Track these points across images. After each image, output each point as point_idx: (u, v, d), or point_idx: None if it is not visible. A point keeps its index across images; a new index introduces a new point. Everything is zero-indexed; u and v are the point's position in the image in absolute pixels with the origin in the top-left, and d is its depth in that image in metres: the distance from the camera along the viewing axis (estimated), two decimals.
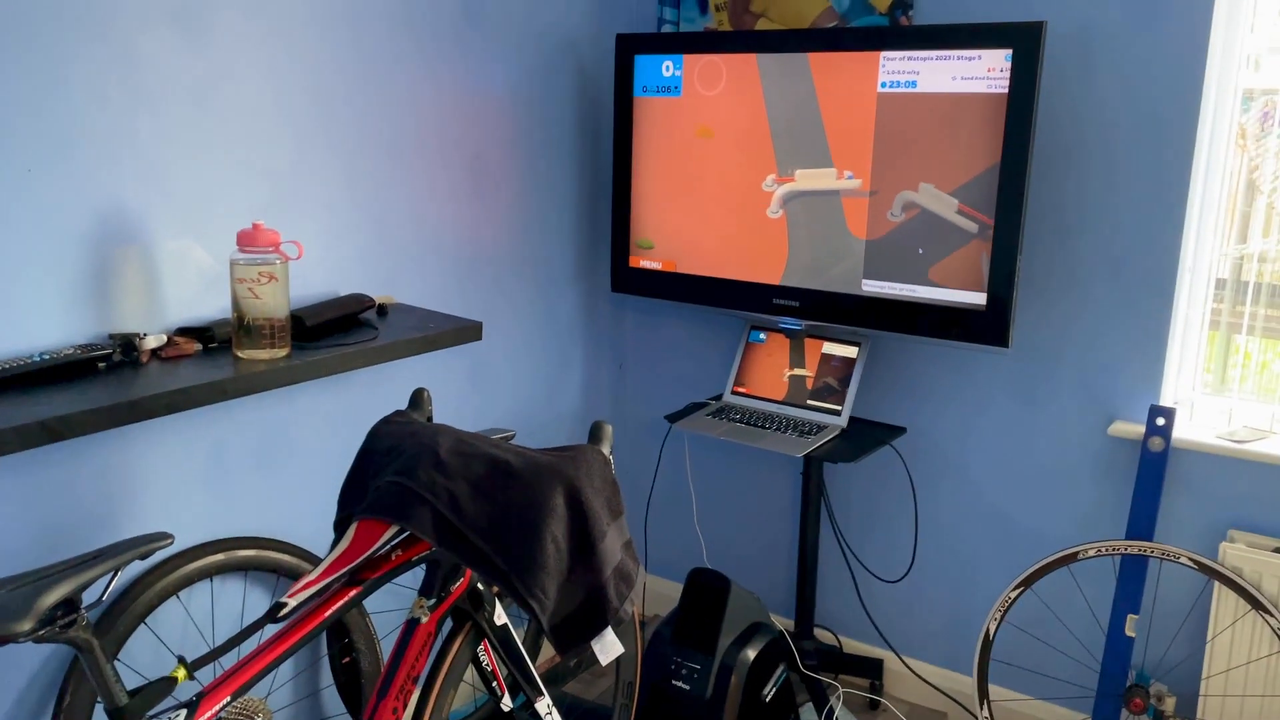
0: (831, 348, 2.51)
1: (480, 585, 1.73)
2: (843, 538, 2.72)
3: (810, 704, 2.54)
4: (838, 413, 2.45)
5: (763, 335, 2.61)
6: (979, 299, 2.20)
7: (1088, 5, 2.19)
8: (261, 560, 1.96)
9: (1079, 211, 2.28)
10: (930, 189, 2.22)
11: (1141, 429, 2.24)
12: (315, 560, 2.02)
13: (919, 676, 2.65)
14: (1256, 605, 2.06)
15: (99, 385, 1.54)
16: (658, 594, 3.07)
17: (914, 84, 2.21)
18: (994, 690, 2.55)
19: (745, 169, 2.46)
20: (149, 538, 1.29)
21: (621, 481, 3.06)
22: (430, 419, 1.77)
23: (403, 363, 2.26)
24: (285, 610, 1.39)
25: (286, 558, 2.00)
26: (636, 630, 2.09)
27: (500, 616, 1.76)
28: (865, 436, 2.43)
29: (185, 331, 1.80)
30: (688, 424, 2.48)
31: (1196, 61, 2.10)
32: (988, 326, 2.19)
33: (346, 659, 2.12)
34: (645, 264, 2.65)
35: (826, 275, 2.39)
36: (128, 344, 1.67)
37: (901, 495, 2.61)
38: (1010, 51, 2.08)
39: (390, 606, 2.31)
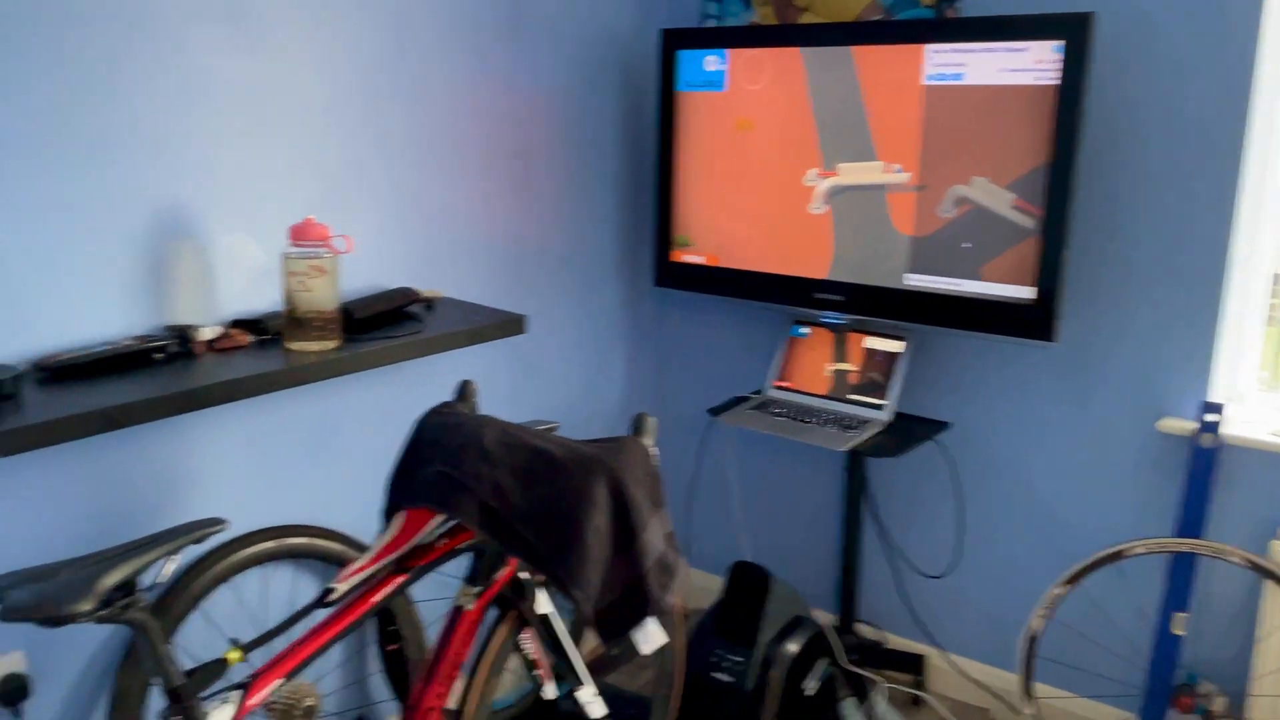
0: (875, 342, 2.50)
1: (524, 574, 1.75)
2: (886, 532, 2.71)
3: (852, 699, 2.53)
4: (881, 407, 2.45)
5: (805, 329, 2.61)
6: (1026, 293, 2.18)
7: None
8: (311, 548, 2.00)
9: (1127, 206, 2.25)
10: (984, 183, 2.19)
11: (1191, 425, 2.20)
12: (363, 548, 2.06)
13: (962, 673, 2.64)
14: None
15: (156, 375, 1.59)
16: (699, 587, 3.08)
17: (960, 76, 2.19)
18: (1039, 687, 2.53)
19: (787, 163, 2.46)
20: (204, 523, 1.33)
21: (663, 475, 3.07)
22: (476, 410, 1.80)
23: (448, 355, 2.29)
24: (334, 595, 1.43)
25: (335, 545, 2.04)
26: (678, 621, 2.10)
27: (543, 605, 1.78)
28: (909, 431, 2.42)
29: (238, 324, 1.84)
30: (730, 417, 2.49)
31: (1248, 52, 2.06)
32: (1035, 321, 2.17)
33: (393, 646, 2.16)
34: (688, 258, 2.66)
35: (870, 269, 2.38)
36: (184, 335, 1.72)
37: (945, 490, 2.60)
38: (1059, 43, 2.06)
39: (436, 595, 2.35)
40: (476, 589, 1.68)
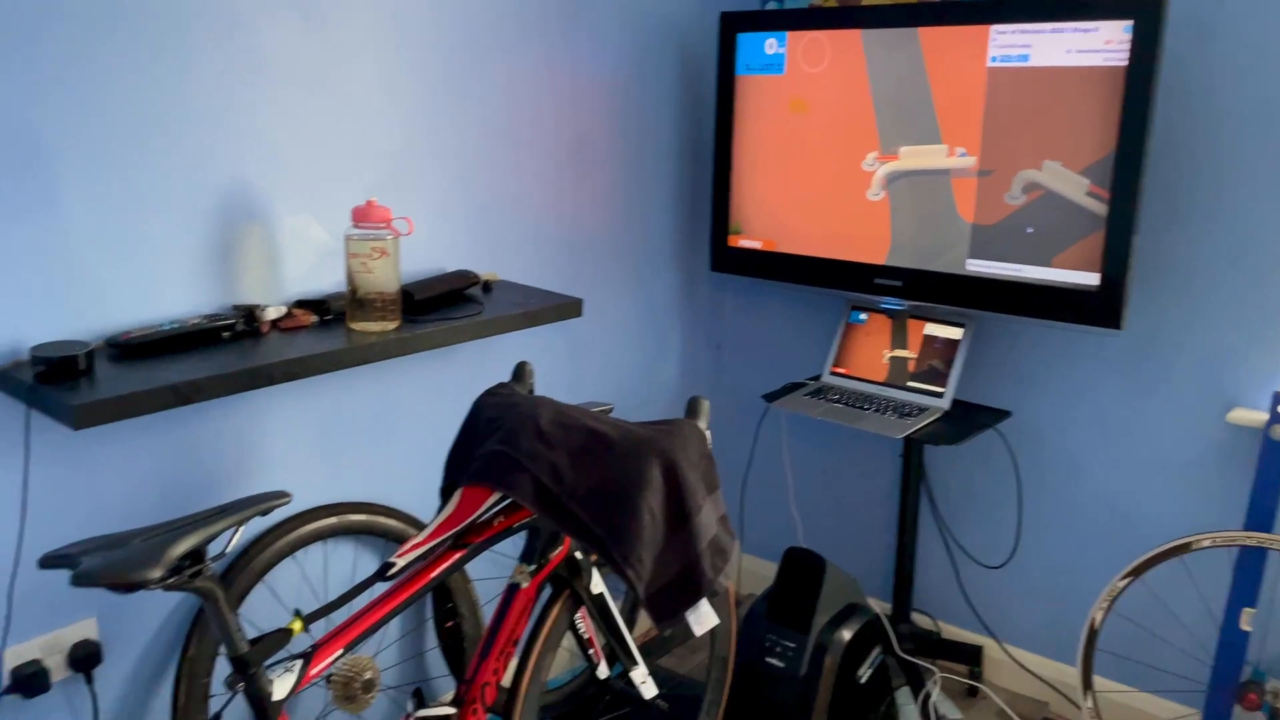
0: (935, 329, 2.47)
1: (578, 554, 1.77)
2: (943, 521, 2.68)
3: (906, 688, 2.52)
4: (940, 395, 2.42)
5: (863, 315, 2.59)
6: (1091, 279, 2.13)
7: None
8: (371, 525, 2.04)
9: (1197, 190, 2.19)
10: (1056, 167, 2.14)
11: (1262, 417, 2.14)
12: (422, 526, 2.10)
13: (1020, 665, 2.60)
14: None
15: (224, 353, 1.63)
16: (753, 573, 3.08)
17: (1026, 58, 2.15)
18: (1098, 681, 2.48)
19: (845, 147, 2.43)
20: (268, 495, 1.36)
21: (718, 461, 3.07)
22: (532, 391, 1.82)
23: (506, 337, 2.31)
24: (394, 570, 1.46)
25: (394, 523, 2.08)
26: (731, 605, 2.10)
27: (597, 585, 1.80)
28: (968, 419, 2.38)
29: (302, 304, 1.88)
30: (785, 403, 2.48)
31: None
32: (1100, 308, 2.13)
33: (450, 623, 2.19)
34: (744, 243, 2.65)
35: (930, 255, 2.35)
36: (250, 315, 1.76)
37: (1004, 480, 2.56)
38: (1130, 23, 2.01)
39: (492, 574, 2.38)
40: (531, 567, 1.70)
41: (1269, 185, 2.10)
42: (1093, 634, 2.26)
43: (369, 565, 2.12)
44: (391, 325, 1.82)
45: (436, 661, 2.29)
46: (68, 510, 1.61)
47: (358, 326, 1.80)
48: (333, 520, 1.98)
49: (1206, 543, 2.12)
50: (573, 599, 1.77)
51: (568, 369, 2.50)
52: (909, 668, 2.49)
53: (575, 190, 2.43)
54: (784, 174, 2.55)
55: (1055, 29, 2.10)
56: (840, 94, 2.42)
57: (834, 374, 2.59)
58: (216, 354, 1.62)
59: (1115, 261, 2.09)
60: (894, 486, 2.75)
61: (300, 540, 1.92)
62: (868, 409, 2.40)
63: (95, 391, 1.41)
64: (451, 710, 1.60)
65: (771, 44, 2.51)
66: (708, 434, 1.70)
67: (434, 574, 1.53)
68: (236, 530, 1.31)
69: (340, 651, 1.41)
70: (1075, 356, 2.41)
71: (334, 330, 1.80)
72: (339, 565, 2.05)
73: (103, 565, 1.15)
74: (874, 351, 2.54)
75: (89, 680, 1.68)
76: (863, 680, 2.32)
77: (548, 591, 1.77)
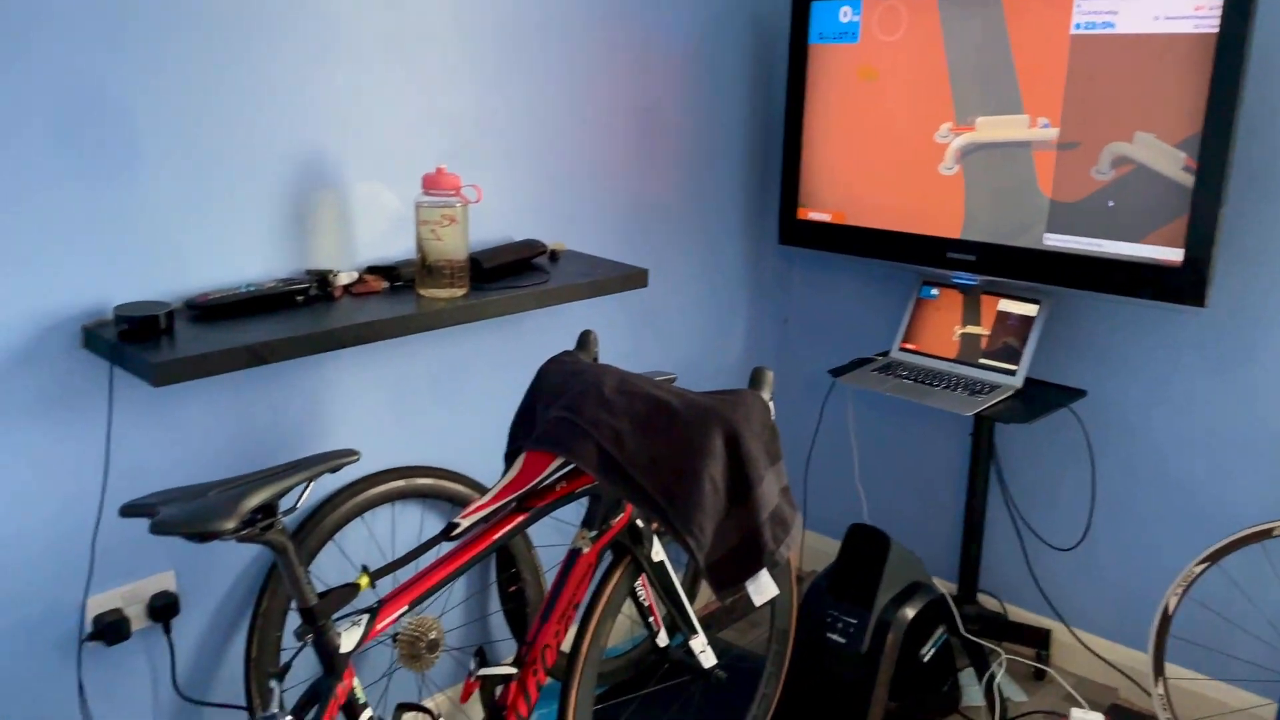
0: (1009, 305, 2.42)
1: (640, 521, 1.78)
2: (1012, 502, 2.63)
3: (971, 669, 2.48)
4: (1013, 373, 2.36)
5: (935, 291, 2.54)
6: (1175, 255, 2.06)
7: None
8: (438, 489, 2.08)
9: None
10: (1149, 140, 2.04)
11: None
12: (486, 491, 2.13)
13: (1089, 649, 2.55)
14: None
15: (297, 316, 1.67)
16: (815, 550, 3.06)
17: (1111, 25, 2.07)
18: (1170, 668, 2.42)
19: (918, 118, 2.38)
20: (339, 453, 1.39)
21: (783, 436, 3.05)
22: (596, 360, 1.83)
23: (572, 306, 2.32)
24: (458, 530, 1.48)
25: (460, 488, 2.11)
26: (792, 579, 2.10)
27: (658, 553, 1.81)
28: (1041, 398, 2.33)
29: (373, 270, 1.91)
30: (852, 379, 2.45)
31: None
32: (1183, 285, 2.05)
33: (513, 588, 2.23)
34: (814, 216, 2.62)
35: (1005, 229, 2.29)
36: (323, 279, 1.80)
37: (1078, 461, 2.50)
38: None
39: (555, 541, 2.41)
40: (593, 533, 1.71)
41: None
42: (1166, 620, 2.20)
43: (435, 528, 2.16)
44: (460, 292, 1.84)
45: (500, 625, 2.33)
46: (148, 465, 1.67)
47: (427, 293, 1.83)
48: (400, 483, 2.02)
49: None
50: (633, 566, 1.78)
51: (633, 339, 2.50)
52: (974, 649, 2.46)
53: (643, 161, 2.42)
54: (855, 145, 2.51)
55: None
56: (914, 62, 2.37)
57: (903, 350, 2.55)
58: (290, 317, 1.66)
59: (1200, 237, 2.01)
60: (962, 466, 2.71)
61: (369, 502, 1.96)
62: (937, 386, 2.36)
63: (174, 350, 1.46)
64: (513, 670, 1.62)
65: (846, 12, 2.46)
66: (771, 405, 1.70)
67: (497, 536, 1.55)
68: (307, 486, 1.35)
69: (405, 608, 1.44)
70: (1155, 334, 2.34)
71: (404, 296, 1.82)
72: (406, 527, 2.10)
73: (180, 515, 1.20)
74: (945, 328, 2.50)
75: (167, 630, 1.74)
76: (925, 659, 2.29)
77: (609, 558, 1.78)
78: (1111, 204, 2.12)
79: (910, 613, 2.23)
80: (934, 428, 2.74)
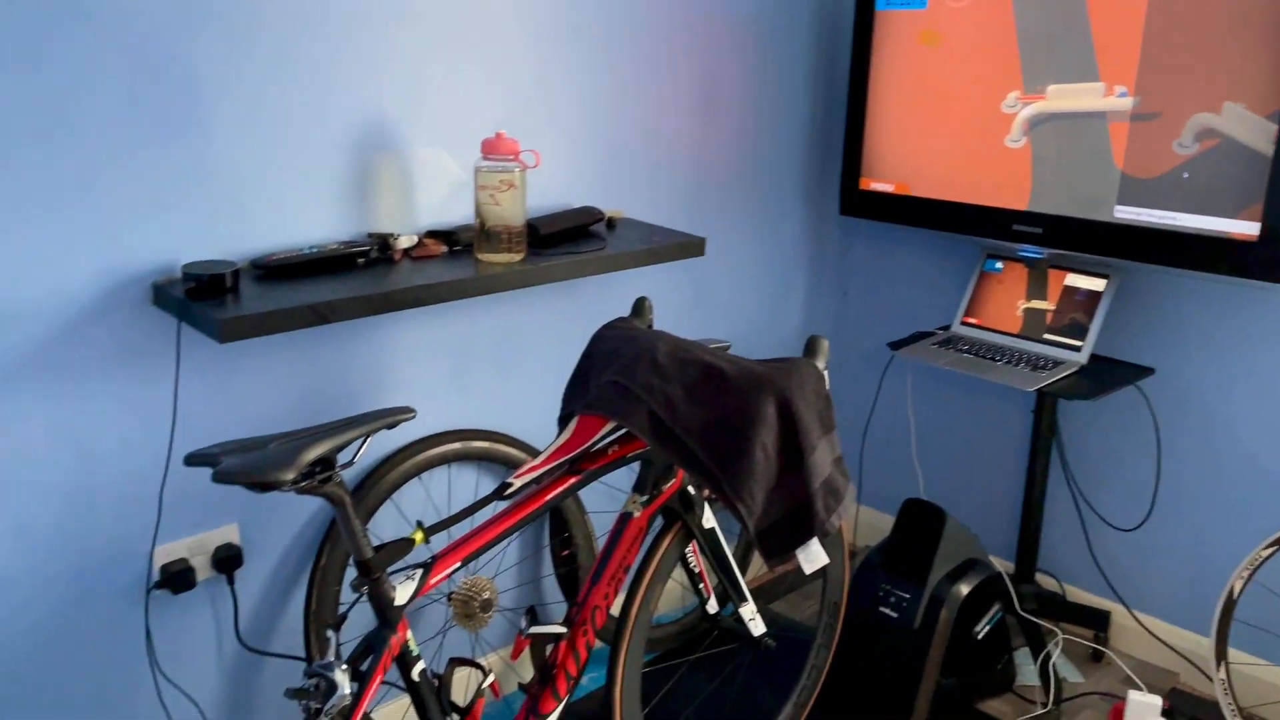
0: (1076, 279, 2.36)
1: (691, 488, 1.78)
2: (1074, 480, 2.58)
3: (1026, 648, 2.45)
4: (1078, 348, 2.31)
5: (999, 264, 2.49)
6: (1251, 229, 1.99)
7: None
8: (493, 452, 2.10)
9: None
10: (1239, 111, 1.94)
11: None
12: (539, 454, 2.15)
13: (1149, 632, 2.50)
14: None
15: (358, 277, 1.70)
16: (869, 525, 3.04)
17: None
18: (1233, 653, 2.36)
19: (985, 86, 2.32)
20: (395, 410, 1.42)
21: (839, 410, 3.03)
22: (650, 327, 1.83)
23: (628, 274, 2.33)
24: (511, 490, 1.50)
25: (515, 451, 2.14)
26: (845, 551, 2.09)
27: (709, 520, 1.81)
28: (1107, 375, 2.28)
29: (433, 234, 1.93)
30: (911, 352, 2.42)
31: None
32: (1260, 260, 1.98)
33: (566, 552, 2.25)
34: (876, 186, 2.58)
35: (1075, 202, 2.23)
36: (384, 243, 1.82)
37: (1143, 439, 2.44)
38: None
39: (608, 508, 2.43)
40: (644, 498, 1.72)
41: None
42: (1230, 604, 2.15)
43: (489, 490, 2.18)
44: (517, 257, 1.86)
45: (552, 588, 2.36)
46: (212, 419, 1.72)
47: (485, 257, 1.85)
48: (457, 445, 2.05)
49: None
50: (684, 532, 1.79)
51: (689, 308, 2.50)
52: (1030, 628, 2.43)
53: (703, 128, 2.41)
54: (919, 115, 2.46)
55: None
56: (982, 28, 2.31)
57: (964, 324, 2.51)
58: (352, 278, 1.69)
59: (1278, 211, 1.94)
60: (1023, 443, 2.66)
61: (426, 463, 2.00)
62: (999, 361, 2.32)
63: (240, 308, 1.50)
64: (563, 630, 1.65)
65: None
66: (825, 374, 1.68)
67: (549, 496, 1.56)
68: (365, 441, 1.37)
69: (458, 564, 1.47)
70: (1228, 311, 2.26)
71: (462, 260, 1.84)
72: (462, 489, 2.13)
73: (241, 465, 1.23)
74: (1008, 302, 2.45)
75: (230, 581, 1.80)
76: (979, 636, 2.27)
77: (660, 523, 1.79)
78: (1187, 176, 2.05)
79: (964, 589, 2.20)
80: (994, 404, 2.70)
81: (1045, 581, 2.67)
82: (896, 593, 2.23)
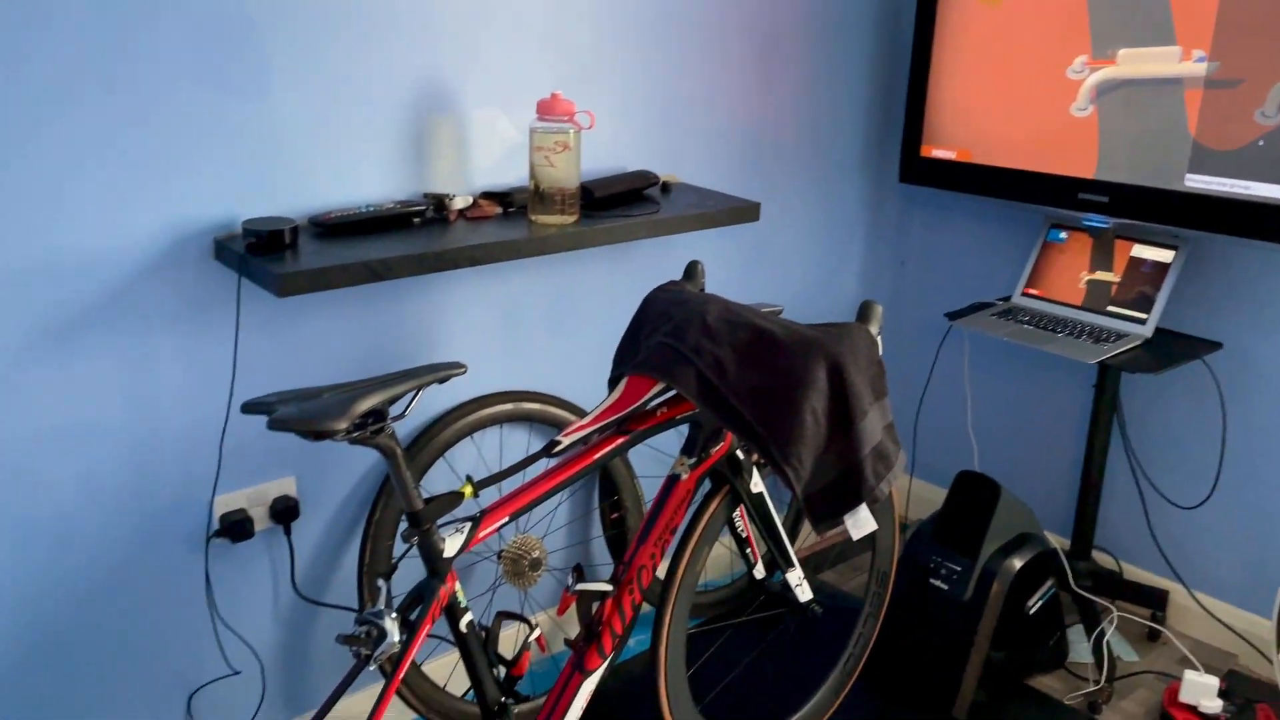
0: (1143, 250, 2.30)
1: (740, 452, 1.78)
2: (1134, 456, 2.52)
3: (1080, 625, 2.41)
4: (1143, 321, 2.25)
5: (1063, 234, 2.43)
6: None
7: None
8: (545, 414, 2.12)
9: None
10: None
11: None
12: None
13: (1208, 612, 2.44)
14: None
15: (413, 236, 1.71)
16: (922, 498, 3.01)
17: None
18: None
19: (1050, 50, 2.25)
20: (447, 365, 1.44)
21: (893, 381, 2.99)
22: (702, 290, 1.82)
23: (681, 238, 2.32)
24: (559, 448, 1.51)
25: (566, 414, 2.15)
26: (895, 521, 2.07)
27: (757, 484, 1.81)
28: (1172, 348, 2.22)
29: (488, 195, 1.94)
30: (970, 322, 2.38)
31: None
32: None
33: (615, 515, 2.27)
34: (937, 153, 2.53)
35: (1144, 171, 2.17)
36: (439, 203, 1.84)
37: (1208, 416, 2.37)
38: None
39: (658, 473, 2.44)
40: (691, 460, 1.72)
41: None
42: None
43: None
44: (570, 219, 1.86)
45: (601, 550, 2.38)
46: (271, 372, 1.76)
47: (538, 219, 1.85)
48: (509, 406, 2.07)
49: None
50: (731, 496, 1.78)
51: (742, 274, 2.48)
52: (1084, 605, 2.39)
53: (761, 93, 2.38)
54: (984, 80, 2.40)
55: None
56: None
57: (1025, 295, 2.46)
58: (407, 237, 1.71)
59: None
60: (1082, 418, 2.61)
61: (478, 423, 2.02)
62: (1060, 333, 2.27)
63: (298, 263, 1.52)
64: (609, 588, 1.66)
65: None
66: (879, 339, 1.66)
67: (597, 455, 1.57)
68: (417, 393, 1.40)
69: (506, 519, 1.48)
70: None
71: (516, 222, 1.85)
72: (513, 450, 2.15)
73: (295, 413, 1.26)
74: (1072, 273, 2.39)
75: (287, 532, 1.84)
76: (1031, 611, 2.24)
77: (708, 487, 1.79)
78: (1262, 143, 1.98)
79: (1017, 563, 2.17)
80: (1054, 377, 2.64)
81: (1102, 559, 2.62)
82: (948, 565, 2.21)
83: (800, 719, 2.04)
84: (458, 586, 1.47)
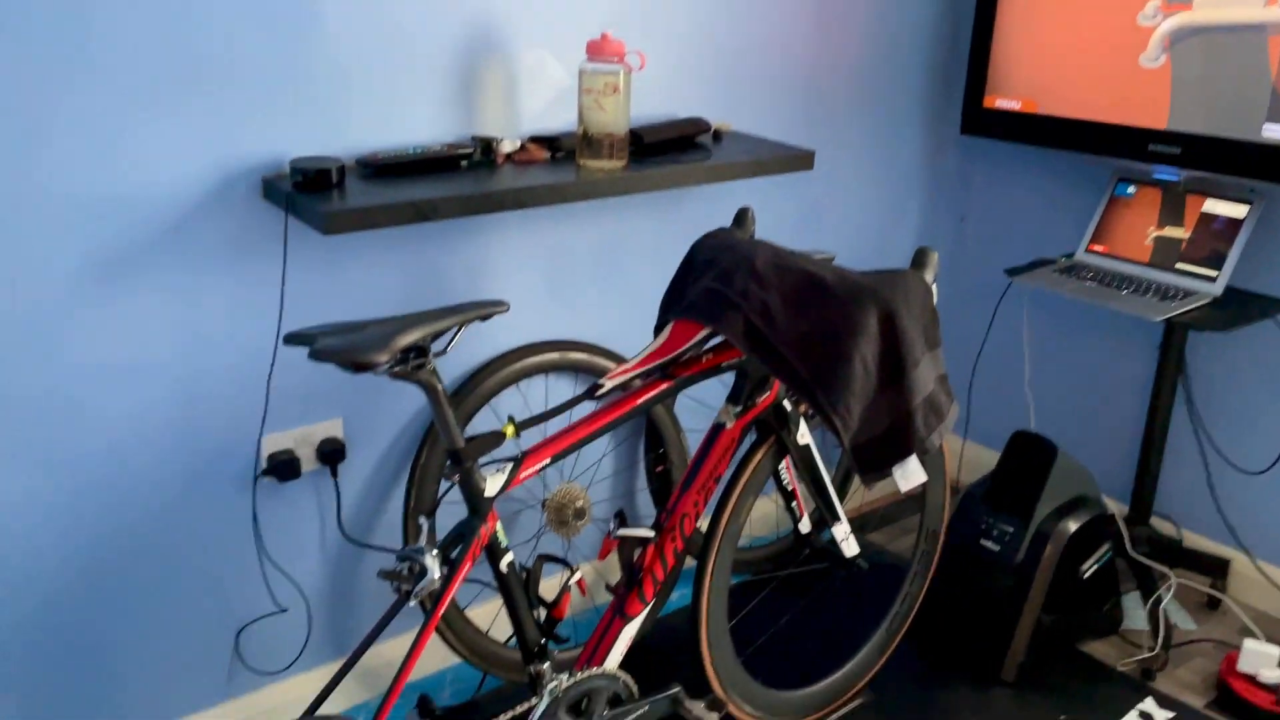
0: (1215, 205, 2.21)
1: (787, 403, 1.75)
2: (1199, 419, 2.44)
3: (1136, 592, 2.35)
4: (1213, 279, 2.17)
5: (1131, 188, 2.34)
6: None
7: None
8: (591, 364, 2.11)
9: None
10: None
11: None
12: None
13: (1271, 581, 2.36)
14: None
15: (460, 179, 1.70)
16: (975, 461, 2.95)
17: None
18: None
19: None
20: (489, 302, 1.43)
21: (949, 341, 2.92)
22: (753, 237, 1.79)
23: (732, 187, 2.27)
24: (602, 391, 1.50)
25: (611, 364, 2.13)
26: (946, 478, 2.03)
27: (804, 436, 1.77)
28: (1242, 307, 2.13)
29: (536, 140, 1.92)
30: (1031, 278, 2.31)
31: None
32: None
33: (660, 468, 2.25)
34: (1001, 104, 2.44)
35: (1219, 121, 2.07)
36: (487, 146, 1.82)
37: (1277, 377, 2.28)
38: None
39: (704, 428, 2.41)
40: (737, 408, 1.70)
41: None
42: None
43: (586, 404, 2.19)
44: (619, 164, 1.83)
45: (645, 502, 2.37)
46: (317, 310, 1.76)
47: (586, 164, 1.83)
48: (555, 355, 2.06)
49: None
50: (778, 447, 1.76)
51: (794, 227, 2.43)
52: (1141, 571, 2.32)
53: (818, 40, 2.31)
54: (1050, 27, 2.31)
55: None
56: None
57: (1090, 251, 2.38)
58: (454, 179, 1.69)
59: None
60: (1146, 378, 2.52)
61: (524, 371, 2.01)
62: (1125, 289, 2.20)
63: (345, 202, 1.52)
64: (651, 534, 1.65)
65: None
66: (934, 288, 1.62)
67: (640, 400, 1.55)
68: (459, 330, 1.39)
69: (547, 460, 1.48)
70: None
71: (564, 166, 1.83)
72: (558, 398, 2.14)
73: (337, 345, 1.25)
74: (1139, 229, 2.31)
75: (334, 474, 1.86)
76: (1086, 576, 2.18)
77: (754, 436, 1.76)
78: None
79: (1072, 526, 2.12)
80: (1117, 336, 2.56)
81: (1161, 525, 2.54)
82: (1000, 526, 2.16)
83: (843, 676, 2.02)
84: (499, 527, 1.47)
